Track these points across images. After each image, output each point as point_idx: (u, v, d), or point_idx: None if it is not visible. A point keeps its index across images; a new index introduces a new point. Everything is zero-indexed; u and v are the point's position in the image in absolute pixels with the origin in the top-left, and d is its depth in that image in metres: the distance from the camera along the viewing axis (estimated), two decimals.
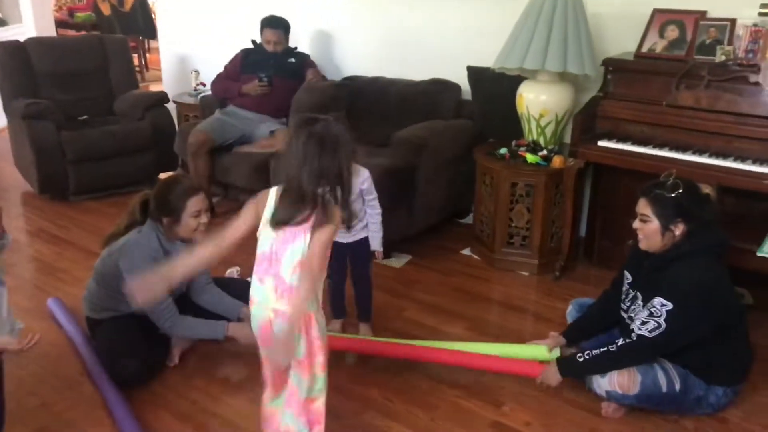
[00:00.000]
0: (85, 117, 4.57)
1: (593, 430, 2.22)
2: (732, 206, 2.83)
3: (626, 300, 2.32)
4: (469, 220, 3.85)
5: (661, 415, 2.25)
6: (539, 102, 3.25)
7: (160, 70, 5.80)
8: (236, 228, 1.84)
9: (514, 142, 3.37)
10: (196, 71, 5.02)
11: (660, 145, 2.86)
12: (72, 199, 4.32)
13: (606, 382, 2.17)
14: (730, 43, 2.85)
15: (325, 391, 1.89)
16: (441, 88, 3.81)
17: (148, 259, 2.37)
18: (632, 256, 2.34)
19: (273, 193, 1.80)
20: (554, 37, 3.06)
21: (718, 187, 2.35)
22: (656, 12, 3.09)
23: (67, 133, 4.21)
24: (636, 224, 2.22)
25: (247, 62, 4.20)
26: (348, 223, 1.85)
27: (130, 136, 4.42)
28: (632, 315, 2.24)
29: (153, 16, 8.08)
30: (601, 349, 2.17)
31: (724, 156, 2.71)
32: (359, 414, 2.27)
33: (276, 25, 4.13)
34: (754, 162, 2.64)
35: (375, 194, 2.49)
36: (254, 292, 1.85)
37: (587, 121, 3.07)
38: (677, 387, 2.16)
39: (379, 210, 2.53)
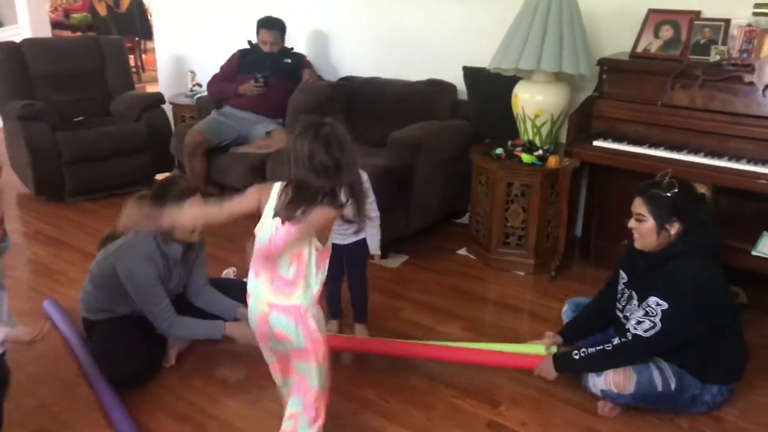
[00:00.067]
0: (81, 118, 4.56)
1: (589, 429, 2.22)
2: (727, 206, 2.84)
3: (622, 299, 2.33)
4: (465, 220, 3.85)
5: (656, 414, 2.26)
6: (535, 102, 3.26)
7: (156, 70, 5.80)
8: (238, 203, 1.86)
9: (509, 142, 3.38)
10: (193, 72, 5.02)
11: (655, 145, 2.87)
12: (68, 201, 4.31)
13: (601, 381, 2.18)
14: (724, 43, 2.86)
15: (321, 384, 1.88)
16: (437, 88, 3.82)
17: (144, 261, 2.38)
18: (627, 255, 2.35)
19: (276, 189, 1.81)
20: (549, 38, 3.06)
21: (713, 186, 2.36)
22: (651, 12, 3.10)
23: (62, 135, 4.21)
24: (631, 223, 2.22)
25: (243, 63, 4.20)
26: (358, 221, 1.87)
27: (127, 137, 4.42)
28: (628, 314, 2.25)
29: (149, 16, 8.07)
30: (597, 347, 2.18)
31: (719, 155, 2.72)
32: (356, 414, 2.27)
33: (272, 25, 4.14)
34: (749, 161, 2.65)
35: (373, 197, 2.50)
36: (250, 285, 1.87)
37: (582, 120, 3.08)
38: (672, 386, 2.17)
39: (377, 213, 2.54)
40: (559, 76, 3.25)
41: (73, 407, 2.31)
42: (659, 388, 2.16)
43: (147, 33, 8.18)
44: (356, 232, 2.48)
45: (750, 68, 2.69)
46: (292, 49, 4.27)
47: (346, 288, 2.70)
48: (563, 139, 3.32)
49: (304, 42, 4.49)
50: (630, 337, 2.12)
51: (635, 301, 2.23)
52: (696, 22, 2.96)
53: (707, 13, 2.99)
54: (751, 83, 2.68)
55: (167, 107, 4.79)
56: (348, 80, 4.21)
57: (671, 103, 2.85)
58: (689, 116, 2.81)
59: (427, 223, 3.64)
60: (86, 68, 4.73)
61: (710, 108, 2.76)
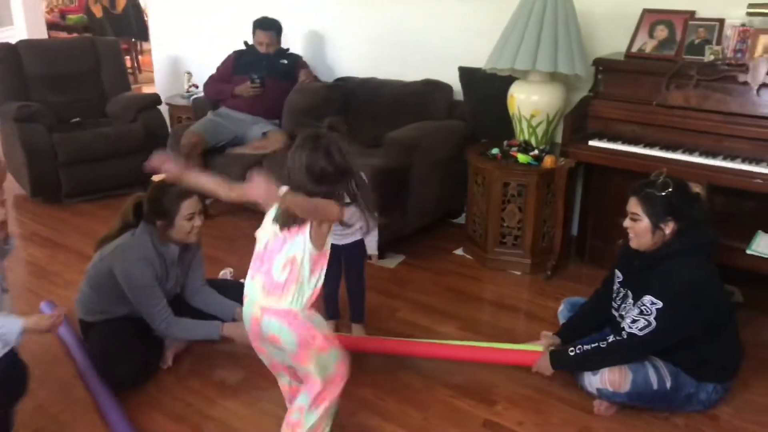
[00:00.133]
0: (77, 119, 4.56)
1: (585, 428, 2.23)
2: (722, 205, 2.85)
3: (617, 298, 2.34)
4: (461, 220, 3.86)
5: (652, 412, 2.27)
6: (530, 102, 3.27)
7: (152, 71, 5.80)
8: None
9: (505, 143, 3.39)
10: (189, 73, 5.02)
11: (650, 145, 2.88)
12: (65, 202, 4.31)
13: (597, 380, 2.19)
14: (718, 42, 2.87)
15: (327, 374, 1.90)
16: (433, 88, 3.83)
17: (141, 262, 2.38)
18: (623, 254, 2.36)
19: (281, 192, 1.81)
20: (545, 38, 3.07)
21: (708, 185, 2.37)
22: (646, 12, 3.11)
23: (58, 136, 4.21)
24: (626, 223, 2.23)
25: (239, 64, 4.20)
26: (367, 221, 1.91)
27: (123, 138, 4.42)
28: (623, 313, 2.26)
29: (145, 17, 8.06)
30: (592, 345, 2.19)
31: (714, 155, 2.73)
32: (353, 414, 2.27)
33: (268, 26, 4.14)
34: (744, 161, 2.66)
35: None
36: (246, 288, 1.90)
37: (578, 120, 3.09)
38: (668, 384, 2.18)
39: (376, 214, 2.54)
40: (554, 77, 3.26)
41: (70, 408, 2.31)
42: (655, 386, 2.17)
43: (143, 34, 8.16)
44: (365, 232, 2.50)
45: (744, 68, 2.70)
46: (288, 49, 4.28)
47: (344, 288, 2.71)
48: (559, 139, 3.33)
49: (300, 43, 4.49)
50: (625, 336, 2.13)
51: (630, 300, 2.24)
52: (690, 22, 2.97)
53: (701, 13, 3.00)
54: (746, 83, 2.69)
55: (163, 108, 4.79)
56: (344, 81, 4.22)
57: (666, 102, 2.86)
58: (684, 116, 2.82)
59: (424, 223, 3.65)
60: (82, 69, 4.73)
61: (705, 108, 2.77)
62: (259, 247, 1.87)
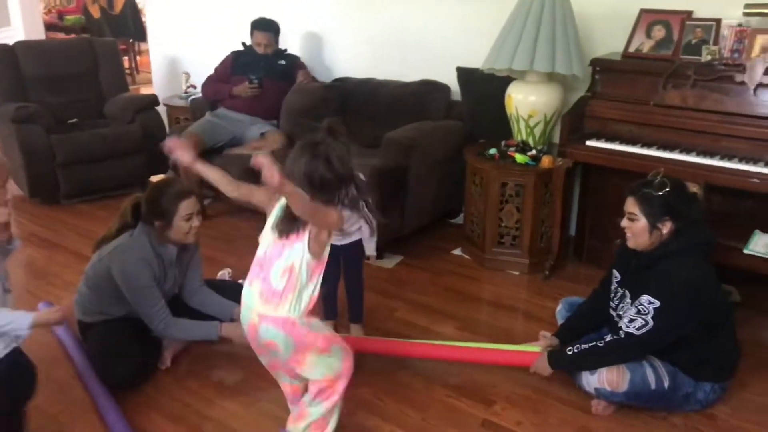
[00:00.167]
0: (75, 120, 4.56)
1: (583, 427, 2.24)
2: (719, 204, 2.86)
3: (615, 298, 2.34)
4: (459, 220, 3.86)
5: (650, 412, 2.27)
6: (528, 102, 3.27)
7: (150, 72, 5.80)
8: (252, 191, 1.93)
9: (503, 143, 3.39)
10: (187, 73, 5.01)
11: (648, 145, 2.89)
12: (63, 203, 4.31)
13: (595, 380, 2.19)
14: (715, 42, 2.88)
15: (333, 372, 1.92)
16: (431, 89, 3.83)
17: (139, 263, 2.38)
18: (620, 254, 2.36)
19: (282, 200, 1.83)
20: (542, 38, 3.08)
21: (705, 185, 2.38)
22: (643, 12, 3.12)
23: (56, 137, 4.21)
24: (624, 223, 2.24)
25: (237, 64, 4.21)
26: (370, 222, 1.91)
27: (121, 139, 4.42)
28: (621, 313, 2.26)
29: (143, 18, 8.06)
30: (590, 344, 2.20)
31: (711, 155, 2.73)
32: (351, 414, 2.27)
33: (266, 27, 4.15)
34: (741, 160, 2.67)
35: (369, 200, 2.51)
36: (243, 294, 1.90)
37: (575, 121, 3.09)
38: (666, 384, 2.19)
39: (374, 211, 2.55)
40: (552, 77, 3.27)
41: (68, 409, 2.31)
42: (652, 386, 2.18)
43: (141, 35, 8.16)
44: (369, 234, 2.51)
45: (741, 68, 2.71)
46: (285, 50, 4.28)
47: (342, 288, 2.71)
48: (556, 139, 3.33)
49: (298, 43, 4.50)
50: (622, 335, 2.14)
51: (628, 300, 2.24)
52: (687, 22, 2.98)
53: (699, 13, 3.01)
54: (743, 83, 2.70)
55: (161, 109, 4.78)
56: (342, 81, 4.22)
57: (663, 102, 2.86)
58: (681, 116, 2.83)
59: (422, 223, 3.65)
60: (80, 70, 4.72)
61: (702, 107, 2.78)
62: (259, 252, 1.87)
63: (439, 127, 3.64)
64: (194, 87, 4.87)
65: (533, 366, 2.35)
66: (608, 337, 2.18)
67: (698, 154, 2.75)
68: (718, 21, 2.89)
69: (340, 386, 1.93)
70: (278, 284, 1.80)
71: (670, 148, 2.83)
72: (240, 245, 3.60)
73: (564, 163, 3.09)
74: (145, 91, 6.29)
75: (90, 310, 2.54)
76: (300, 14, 4.46)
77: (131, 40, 8.55)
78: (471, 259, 3.52)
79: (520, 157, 3.24)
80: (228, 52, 4.29)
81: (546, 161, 3.20)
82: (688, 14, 3.01)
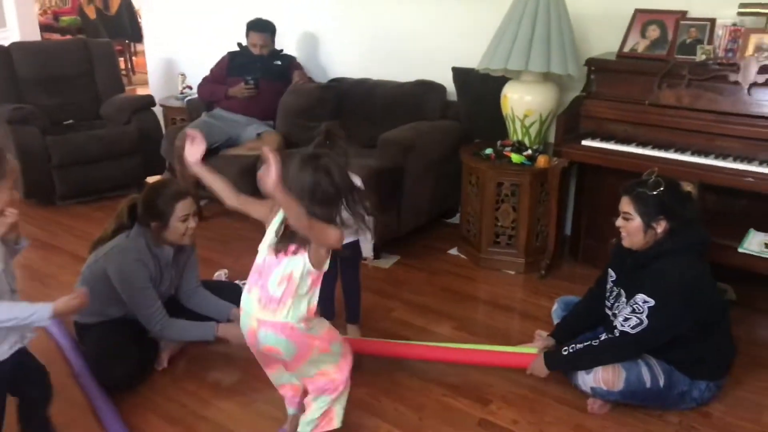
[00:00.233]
0: (70, 121, 4.56)
1: (579, 426, 2.24)
2: (714, 203, 2.87)
3: (610, 297, 2.35)
4: (456, 220, 3.87)
5: (645, 410, 2.28)
6: (523, 102, 3.28)
7: (146, 73, 5.79)
8: (251, 204, 1.92)
9: (499, 143, 3.40)
10: (183, 74, 5.02)
11: (643, 144, 2.90)
12: (59, 204, 4.30)
13: (591, 379, 2.20)
14: (710, 42, 2.89)
15: (335, 362, 1.95)
16: (427, 89, 3.84)
17: (136, 264, 2.38)
18: (616, 254, 2.37)
19: (281, 214, 1.83)
20: (537, 38, 3.08)
21: (700, 184, 2.38)
22: (638, 12, 3.13)
23: (52, 138, 4.20)
24: (619, 222, 2.25)
25: (233, 65, 4.21)
26: (363, 226, 1.93)
27: (117, 140, 4.41)
28: (616, 312, 2.27)
29: (139, 19, 8.06)
30: (585, 344, 2.20)
31: (706, 154, 2.75)
32: (347, 414, 2.26)
33: (262, 28, 4.15)
34: (735, 159, 2.68)
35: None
36: (243, 301, 1.91)
37: (571, 120, 3.10)
38: (661, 383, 2.20)
39: (371, 218, 2.55)
40: (547, 77, 3.28)
41: (65, 411, 2.29)
42: (648, 384, 2.18)
43: (137, 36, 8.17)
44: (369, 239, 2.52)
45: (735, 67, 2.72)
46: (281, 51, 4.28)
47: (339, 289, 2.71)
48: (552, 138, 3.34)
49: (294, 44, 4.50)
50: (617, 334, 2.15)
51: (623, 299, 2.25)
52: (682, 22, 2.99)
53: (693, 13, 3.02)
54: (736, 82, 2.71)
55: (158, 110, 4.79)
56: (338, 82, 4.22)
57: (658, 102, 2.87)
58: (676, 115, 2.84)
59: (419, 223, 3.66)
60: (75, 71, 4.72)
61: (696, 107, 2.79)
62: (258, 260, 1.88)
63: (435, 127, 3.65)
64: (190, 88, 4.86)
65: (530, 367, 2.35)
66: (603, 336, 2.19)
67: (693, 154, 2.77)
68: (712, 21, 2.90)
69: (343, 376, 1.95)
70: (276, 291, 1.81)
71: (665, 147, 2.84)
72: (236, 246, 3.60)
73: (559, 163, 3.10)
74: (141, 92, 6.29)
75: (86, 312, 2.52)
76: (296, 15, 4.47)
77: (127, 41, 8.54)
78: (467, 258, 3.53)
79: (515, 157, 3.25)
80: (224, 53, 4.29)
81: (542, 161, 3.21)
82: (683, 14, 3.02)
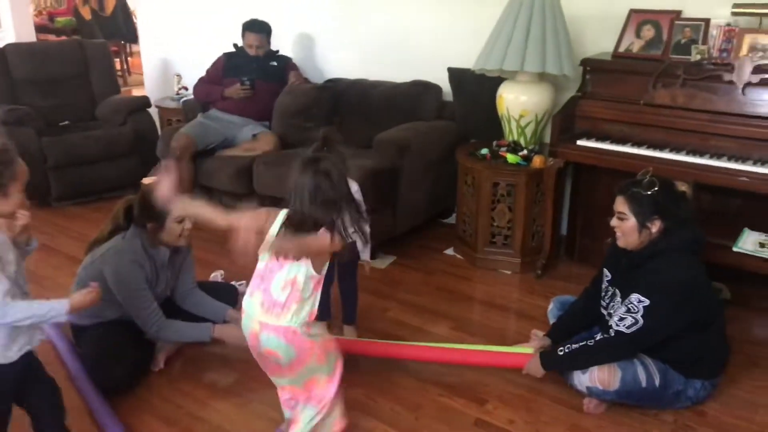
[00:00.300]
0: (66, 122, 4.56)
1: (575, 425, 2.25)
2: (708, 203, 2.88)
3: (606, 297, 2.36)
4: (452, 220, 3.88)
5: (641, 409, 2.29)
6: (519, 102, 3.29)
7: (142, 74, 5.79)
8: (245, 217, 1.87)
9: (495, 143, 3.41)
10: (179, 75, 5.01)
11: (638, 144, 2.90)
12: (55, 205, 4.30)
13: (587, 378, 2.21)
14: (704, 42, 2.90)
15: (328, 373, 1.94)
16: (422, 89, 3.84)
17: (131, 265, 2.38)
18: (611, 253, 2.38)
19: (281, 217, 1.83)
20: (533, 39, 3.09)
21: (695, 184, 2.39)
22: (632, 12, 3.14)
23: (48, 139, 4.20)
24: (613, 222, 2.25)
25: (229, 66, 4.20)
26: (365, 239, 1.92)
27: (113, 141, 4.41)
28: (612, 312, 2.27)
29: (134, 20, 8.04)
30: (581, 344, 2.21)
31: (700, 153, 2.76)
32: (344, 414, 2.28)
33: (258, 28, 4.14)
34: (730, 159, 2.69)
35: (364, 207, 2.52)
36: (244, 303, 1.91)
37: (566, 120, 3.11)
38: (657, 382, 2.20)
39: (368, 221, 2.55)
40: (542, 77, 3.28)
41: None
42: (643, 384, 2.19)
43: (132, 36, 8.15)
44: (362, 247, 2.52)
45: (729, 67, 2.73)
46: (277, 51, 4.28)
47: (335, 289, 2.72)
48: (547, 139, 3.34)
49: (290, 45, 4.50)
50: (613, 334, 2.15)
51: (619, 299, 2.25)
52: (677, 22, 3.00)
53: (687, 13, 3.03)
54: (731, 82, 2.72)
55: (153, 111, 4.78)
56: (334, 82, 4.22)
57: (653, 102, 2.88)
58: (671, 115, 2.84)
59: (415, 223, 3.66)
60: (71, 72, 4.71)
61: (691, 107, 2.80)
62: (259, 265, 1.88)
63: (431, 128, 3.65)
64: (186, 89, 4.86)
65: (526, 367, 2.36)
66: (599, 336, 2.20)
67: (688, 153, 2.77)
68: (706, 21, 2.92)
69: (333, 387, 1.94)
70: (279, 296, 1.81)
71: (660, 147, 2.85)
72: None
73: (555, 163, 3.10)
74: (136, 93, 6.29)
75: (83, 313, 2.52)
76: (292, 15, 4.47)
77: (122, 42, 8.53)
78: (463, 258, 3.53)
79: (511, 157, 3.26)
80: (220, 54, 4.28)
81: (537, 161, 3.21)
82: (677, 14, 3.03)
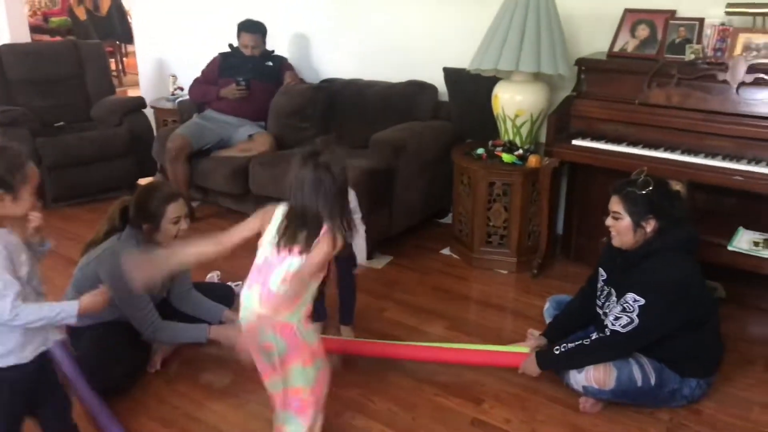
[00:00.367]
0: (61, 123, 4.54)
1: (572, 424, 2.25)
2: (703, 202, 2.89)
3: (601, 296, 2.36)
4: (448, 220, 3.88)
5: (637, 408, 2.29)
6: (514, 102, 3.29)
7: (137, 74, 5.78)
8: (239, 232, 1.90)
9: (490, 142, 3.41)
10: (174, 76, 5.00)
11: (633, 143, 2.91)
12: (50, 207, 4.28)
13: (582, 378, 2.21)
14: (698, 41, 2.91)
15: (310, 384, 1.92)
16: (418, 89, 3.84)
17: None
18: (606, 253, 2.38)
19: (279, 211, 1.84)
20: (527, 38, 3.09)
21: (689, 183, 2.40)
22: (627, 12, 3.15)
23: (43, 140, 4.19)
24: (608, 221, 2.26)
25: (224, 66, 4.20)
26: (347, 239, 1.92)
27: (108, 142, 4.40)
28: (607, 311, 2.28)
29: (129, 20, 8.03)
30: (576, 343, 2.21)
31: (696, 153, 2.76)
32: (340, 414, 2.28)
33: (253, 29, 4.15)
34: (724, 158, 2.69)
35: (360, 213, 2.53)
36: (243, 296, 1.91)
37: (561, 120, 3.11)
38: (652, 381, 2.21)
39: (363, 227, 2.56)
40: (537, 77, 3.29)
41: None
42: (639, 383, 2.20)
43: (127, 37, 8.13)
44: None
45: (723, 67, 2.74)
46: (273, 51, 4.28)
47: (332, 289, 2.72)
48: (543, 138, 3.35)
49: (285, 44, 4.50)
50: (608, 333, 2.16)
51: (614, 298, 2.26)
52: (671, 22, 3.00)
53: (682, 12, 3.04)
54: (725, 81, 2.73)
55: (149, 111, 4.78)
56: (329, 82, 4.22)
57: (648, 101, 2.89)
58: (665, 114, 2.85)
59: (411, 223, 3.66)
60: (66, 73, 4.70)
61: (686, 106, 2.81)
62: (258, 259, 1.88)
63: (427, 128, 3.66)
64: (181, 89, 4.85)
65: (522, 367, 2.36)
66: (594, 336, 2.21)
67: (682, 153, 2.78)
68: (701, 20, 2.92)
69: (313, 399, 1.93)
70: (278, 290, 1.81)
71: (655, 146, 2.85)
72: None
73: (551, 163, 3.11)
74: (132, 93, 6.27)
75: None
76: (287, 15, 4.46)
77: (118, 42, 8.51)
78: (459, 258, 3.54)
79: (507, 157, 3.26)
80: (215, 54, 4.28)
81: (533, 160, 3.22)
82: (672, 13, 3.04)
